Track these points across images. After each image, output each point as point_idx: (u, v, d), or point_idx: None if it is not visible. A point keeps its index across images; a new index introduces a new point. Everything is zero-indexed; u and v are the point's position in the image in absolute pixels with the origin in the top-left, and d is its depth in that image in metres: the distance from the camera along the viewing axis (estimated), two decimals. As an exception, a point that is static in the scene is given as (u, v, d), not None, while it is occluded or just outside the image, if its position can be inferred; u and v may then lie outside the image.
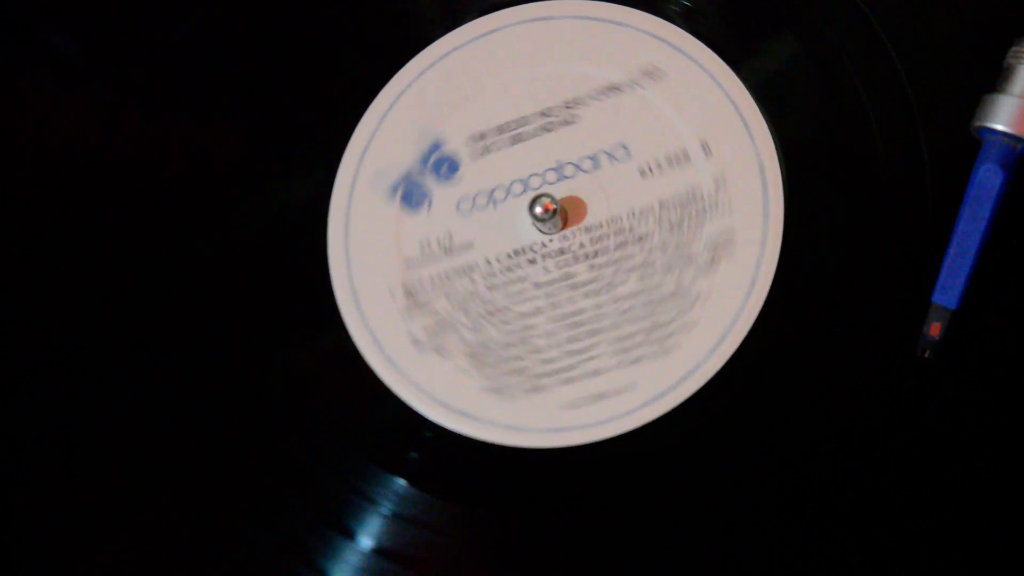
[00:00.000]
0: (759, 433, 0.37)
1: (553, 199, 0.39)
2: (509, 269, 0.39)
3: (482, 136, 0.41)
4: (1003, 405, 0.36)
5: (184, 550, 0.39)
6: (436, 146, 0.41)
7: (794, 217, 0.39)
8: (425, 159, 0.41)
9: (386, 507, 0.38)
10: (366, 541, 0.38)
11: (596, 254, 0.39)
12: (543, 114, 0.41)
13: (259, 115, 0.44)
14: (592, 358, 0.38)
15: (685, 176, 0.39)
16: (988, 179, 0.36)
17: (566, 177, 0.40)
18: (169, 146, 0.44)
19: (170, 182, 0.43)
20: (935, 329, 0.36)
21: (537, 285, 0.39)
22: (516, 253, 0.40)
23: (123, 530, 0.39)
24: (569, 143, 0.41)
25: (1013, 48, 0.38)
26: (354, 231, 0.41)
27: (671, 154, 0.40)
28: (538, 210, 0.39)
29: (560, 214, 0.39)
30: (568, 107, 0.41)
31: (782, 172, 0.39)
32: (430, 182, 0.41)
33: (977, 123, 0.37)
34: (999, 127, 0.37)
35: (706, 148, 0.40)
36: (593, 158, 0.40)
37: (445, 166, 0.41)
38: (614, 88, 0.41)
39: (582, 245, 0.39)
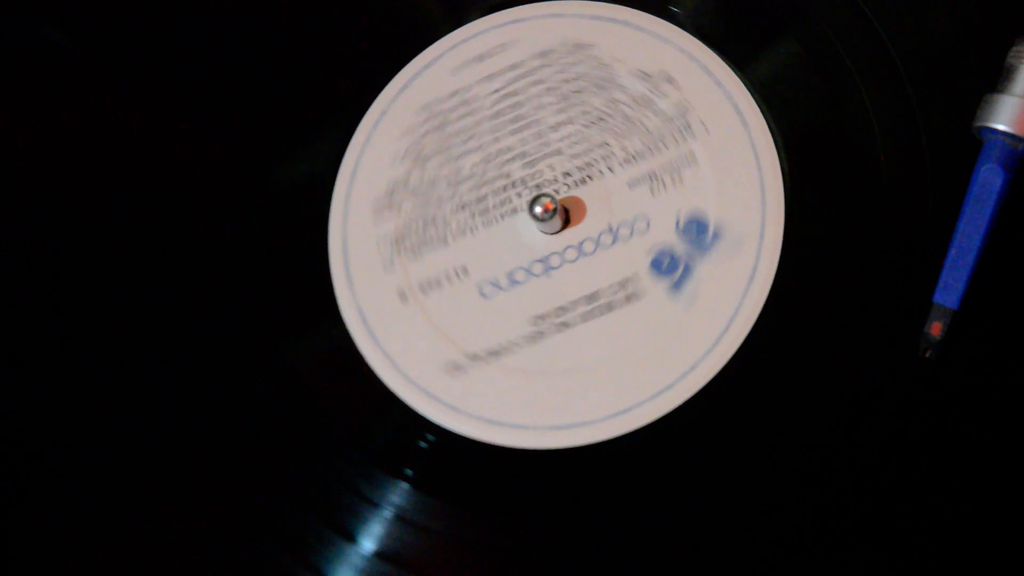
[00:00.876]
0: (757, 434, 0.37)
1: (554, 199, 0.39)
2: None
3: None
4: (1003, 405, 0.36)
5: (184, 551, 0.39)
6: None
7: (795, 217, 0.39)
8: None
9: (388, 510, 0.38)
10: (367, 544, 0.38)
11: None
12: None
13: (264, 105, 0.44)
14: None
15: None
16: (989, 179, 0.36)
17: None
18: (173, 132, 0.44)
19: (174, 162, 0.43)
20: (936, 329, 0.36)
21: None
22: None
23: (123, 530, 0.39)
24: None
25: (1014, 48, 0.38)
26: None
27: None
28: (538, 210, 0.39)
29: (560, 214, 0.39)
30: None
31: (783, 172, 0.39)
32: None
33: (978, 123, 0.37)
34: (1000, 127, 0.37)
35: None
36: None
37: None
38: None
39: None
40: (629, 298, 0.39)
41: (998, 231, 0.36)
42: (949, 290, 0.36)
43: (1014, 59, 0.37)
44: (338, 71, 0.44)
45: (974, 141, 0.38)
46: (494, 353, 0.39)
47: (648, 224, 0.40)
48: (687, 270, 0.39)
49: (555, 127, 0.41)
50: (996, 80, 0.38)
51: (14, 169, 0.45)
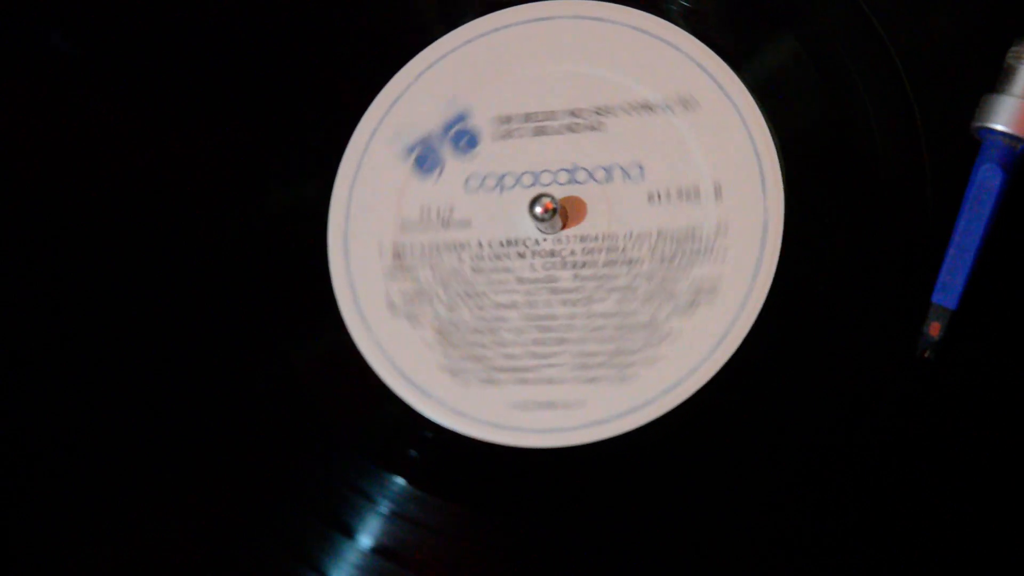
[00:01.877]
0: (757, 434, 0.37)
1: (554, 200, 0.39)
2: (498, 257, 0.40)
3: (508, 119, 0.41)
4: (1002, 405, 0.36)
5: (183, 549, 0.39)
6: (461, 117, 0.41)
7: (794, 217, 0.39)
8: (448, 127, 0.41)
9: (385, 506, 0.38)
10: (365, 540, 0.38)
11: (584, 265, 0.39)
12: (572, 113, 0.41)
13: (264, 106, 0.44)
14: (552, 365, 0.38)
15: (690, 213, 0.39)
16: (988, 179, 0.36)
17: (576, 182, 0.40)
18: (165, 149, 0.44)
19: (176, 156, 0.43)
20: (935, 329, 0.36)
21: (520, 280, 0.39)
22: (509, 243, 0.40)
23: (122, 529, 0.39)
24: (589, 148, 0.41)
25: (1013, 48, 0.38)
26: (361, 181, 0.41)
27: (683, 187, 0.39)
28: (538, 209, 0.39)
29: (560, 214, 0.39)
30: (598, 113, 0.41)
31: (782, 172, 0.39)
32: (446, 151, 0.41)
33: (977, 123, 0.37)
34: (999, 127, 0.37)
35: (718, 191, 0.39)
36: (607, 169, 0.40)
37: (465, 139, 0.41)
38: (647, 107, 0.41)
39: (573, 252, 0.39)
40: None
41: (997, 231, 0.36)
42: (948, 290, 0.36)
43: (1013, 59, 0.37)
44: (341, 69, 0.44)
45: (973, 141, 0.38)
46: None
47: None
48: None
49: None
50: (995, 80, 0.38)
51: (14, 169, 0.45)
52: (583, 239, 0.40)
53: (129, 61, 0.45)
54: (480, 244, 0.40)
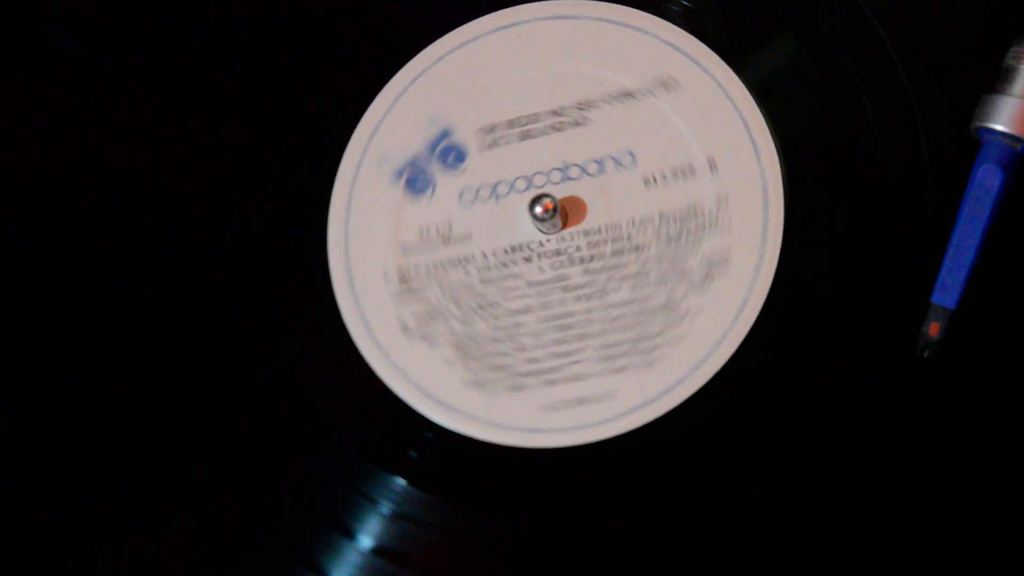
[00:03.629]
0: (757, 433, 0.37)
1: (553, 199, 0.39)
2: (504, 265, 0.39)
3: (492, 129, 0.41)
4: (1002, 405, 0.36)
5: (183, 549, 0.39)
6: (445, 134, 0.41)
7: (795, 217, 0.39)
8: (433, 146, 0.41)
9: (385, 506, 0.38)
10: (365, 540, 0.38)
11: (592, 259, 0.39)
12: (554, 113, 0.41)
13: (269, 96, 0.44)
14: (576, 362, 0.38)
15: (688, 190, 0.39)
16: (987, 179, 0.36)
17: (570, 179, 0.40)
18: (165, 149, 0.44)
19: (167, 188, 0.43)
20: (934, 329, 0.36)
21: (530, 284, 0.39)
22: (513, 249, 0.40)
23: (122, 529, 0.39)
24: (577, 145, 0.41)
25: (1013, 48, 0.38)
26: (355, 212, 0.41)
27: (677, 167, 0.40)
28: (538, 210, 0.39)
29: (560, 214, 0.39)
30: (580, 108, 0.41)
31: (783, 172, 0.39)
32: (436, 170, 0.41)
33: (977, 123, 0.37)
34: (999, 127, 0.37)
35: (712, 164, 0.39)
36: (599, 162, 0.40)
37: (452, 155, 0.41)
38: (628, 94, 0.41)
39: (579, 248, 0.39)
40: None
41: (996, 231, 0.36)
42: (947, 290, 0.36)
43: (1012, 60, 0.37)
44: (349, 63, 0.44)
45: (973, 141, 0.38)
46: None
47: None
48: None
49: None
50: (995, 80, 0.38)
51: (14, 169, 0.45)
52: (587, 233, 0.40)
53: (129, 61, 0.45)
54: (485, 255, 0.40)
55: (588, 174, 0.40)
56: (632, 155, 0.40)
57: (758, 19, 0.42)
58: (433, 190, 0.41)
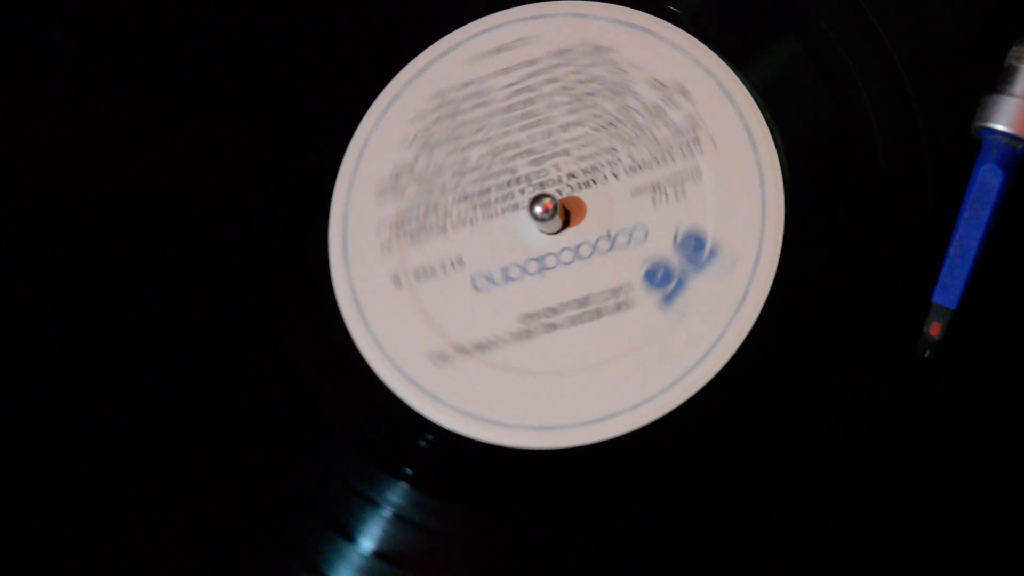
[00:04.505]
0: (757, 433, 0.37)
1: (553, 199, 0.39)
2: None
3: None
4: (1002, 405, 0.36)
5: (183, 550, 0.39)
6: None
7: (795, 217, 0.39)
8: None
9: (387, 510, 0.38)
10: (366, 543, 0.38)
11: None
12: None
13: (269, 96, 0.44)
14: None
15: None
16: (988, 179, 0.36)
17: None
18: (166, 149, 0.44)
19: (170, 178, 0.43)
20: (935, 329, 0.36)
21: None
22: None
23: (123, 530, 0.39)
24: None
25: (1013, 48, 0.38)
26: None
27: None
28: (538, 210, 0.39)
29: (560, 214, 0.39)
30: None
31: (783, 171, 0.39)
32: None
33: (977, 123, 0.37)
34: (999, 127, 0.37)
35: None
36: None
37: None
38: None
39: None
40: (619, 306, 0.39)
41: (997, 231, 0.36)
42: (948, 290, 0.36)
43: (1013, 60, 0.37)
44: (355, 55, 0.44)
45: (973, 141, 0.38)
46: (480, 347, 0.39)
47: (646, 234, 0.40)
48: (679, 285, 0.39)
49: (565, 127, 0.41)
50: (995, 80, 0.38)
51: (14, 169, 0.45)
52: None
53: (129, 61, 0.45)
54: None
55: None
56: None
57: (758, 19, 0.42)
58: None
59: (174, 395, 0.40)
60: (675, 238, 0.39)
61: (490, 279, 0.40)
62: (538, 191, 0.40)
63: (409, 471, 0.38)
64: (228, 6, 0.46)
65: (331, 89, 0.44)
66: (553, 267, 0.40)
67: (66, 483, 0.40)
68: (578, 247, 0.40)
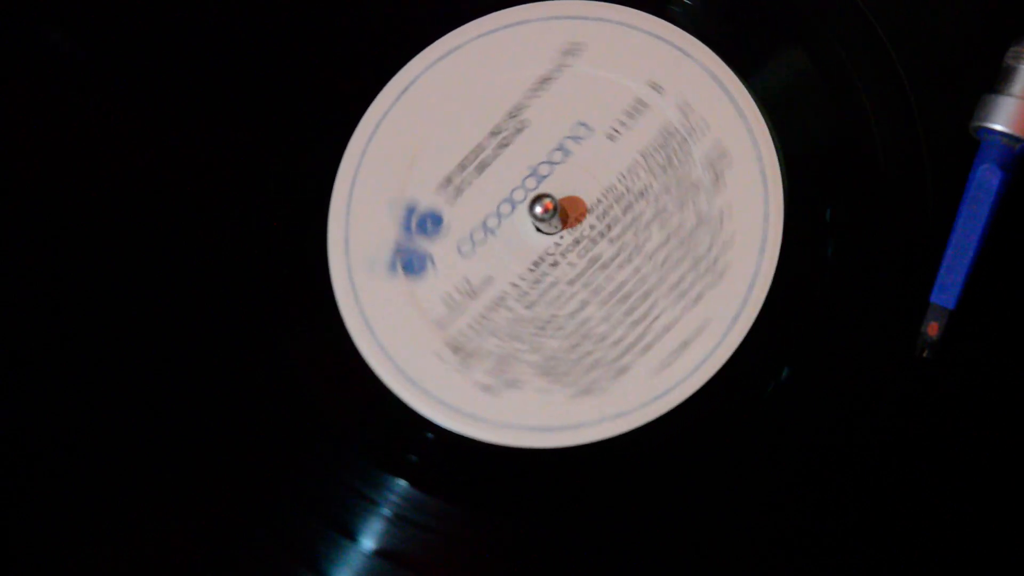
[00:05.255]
0: (757, 433, 0.37)
1: (553, 198, 0.39)
2: (537, 281, 0.39)
3: (448, 180, 0.41)
4: (1001, 405, 0.36)
5: (183, 550, 0.39)
6: (411, 210, 0.41)
7: (794, 216, 0.39)
8: (407, 225, 0.41)
9: (387, 509, 0.38)
10: (367, 543, 0.38)
11: (609, 227, 0.39)
12: (493, 133, 0.41)
13: (269, 96, 0.44)
14: (657, 318, 0.38)
15: (650, 120, 0.40)
16: (987, 179, 0.36)
17: (544, 176, 0.40)
18: (166, 150, 0.44)
19: (167, 188, 0.43)
20: (933, 329, 0.36)
21: (571, 282, 0.39)
22: (536, 265, 0.40)
23: (122, 530, 0.39)
24: (531, 146, 0.41)
25: (1012, 48, 0.38)
26: (373, 320, 0.40)
27: (627, 108, 0.40)
28: (538, 210, 0.39)
29: (560, 214, 0.39)
30: (512, 116, 0.41)
31: (782, 172, 0.39)
32: (423, 243, 0.41)
33: (976, 123, 0.37)
34: (998, 127, 0.37)
35: (656, 87, 0.40)
36: (560, 147, 0.40)
37: (429, 222, 0.41)
38: (545, 79, 0.41)
39: (592, 227, 0.40)
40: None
41: (995, 231, 0.36)
42: (946, 290, 0.36)
43: (1012, 60, 0.37)
44: (355, 55, 0.44)
45: (972, 141, 0.38)
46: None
47: None
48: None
49: None
50: (995, 80, 0.38)
51: (14, 169, 0.45)
52: (591, 210, 0.40)
53: (129, 61, 0.45)
54: (515, 284, 0.40)
55: (556, 163, 0.40)
56: (584, 124, 0.41)
57: (757, 20, 0.42)
58: (432, 262, 0.40)
59: (174, 395, 0.40)
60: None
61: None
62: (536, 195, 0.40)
63: (414, 458, 0.38)
64: (228, 6, 0.46)
65: (331, 89, 0.44)
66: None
67: (66, 483, 0.40)
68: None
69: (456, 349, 0.39)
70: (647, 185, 0.39)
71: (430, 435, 0.39)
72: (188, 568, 0.39)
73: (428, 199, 0.41)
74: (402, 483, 0.38)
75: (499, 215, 0.40)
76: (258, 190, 0.43)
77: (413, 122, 0.42)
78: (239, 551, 0.38)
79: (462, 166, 0.41)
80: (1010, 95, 0.37)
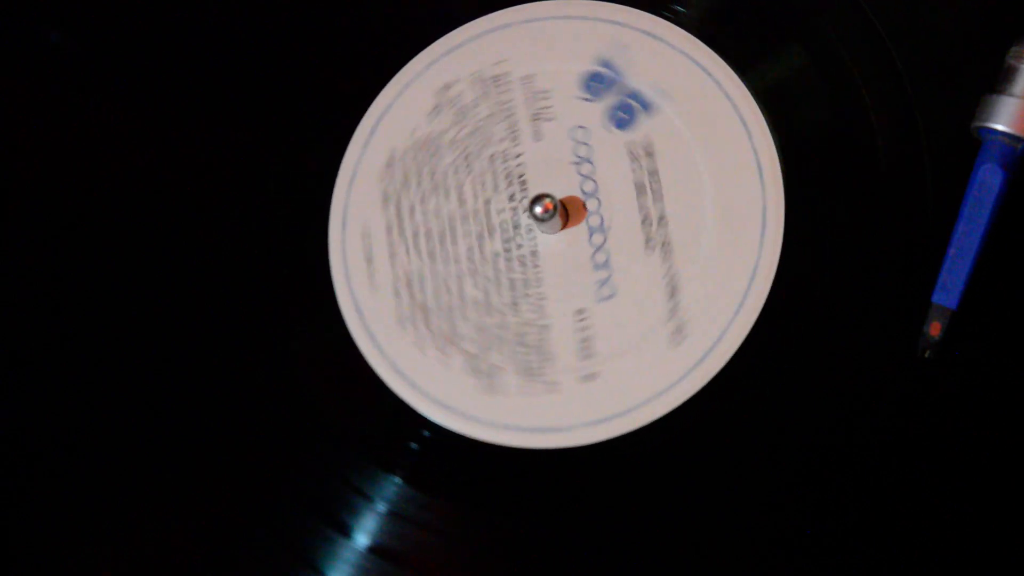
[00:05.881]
0: (757, 433, 0.37)
1: (553, 199, 0.39)
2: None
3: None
4: (1002, 405, 0.36)
5: (181, 548, 0.39)
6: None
7: (794, 216, 0.39)
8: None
9: (382, 505, 0.38)
10: (362, 539, 0.38)
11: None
12: None
13: (269, 96, 0.44)
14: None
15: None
16: (988, 179, 0.36)
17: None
18: (166, 150, 0.44)
19: (168, 188, 0.43)
20: (935, 329, 0.36)
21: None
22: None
23: (121, 529, 0.39)
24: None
25: (1013, 48, 0.38)
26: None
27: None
28: (538, 210, 0.39)
29: (560, 214, 0.39)
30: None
31: (783, 171, 0.39)
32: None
33: (977, 123, 0.37)
34: (999, 127, 0.37)
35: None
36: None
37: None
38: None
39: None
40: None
41: (997, 231, 0.36)
42: (948, 290, 0.36)
43: (1013, 59, 0.37)
44: (355, 55, 0.44)
45: (973, 141, 0.38)
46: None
47: None
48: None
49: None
50: (995, 80, 0.38)
51: (14, 169, 0.45)
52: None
53: (129, 61, 0.45)
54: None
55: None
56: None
57: (758, 18, 0.42)
58: None
59: (173, 394, 0.40)
60: None
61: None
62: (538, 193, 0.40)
63: (415, 446, 0.38)
64: (228, 6, 0.46)
65: (331, 89, 0.44)
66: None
67: (66, 483, 0.40)
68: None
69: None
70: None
71: (426, 433, 0.39)
72: (186, 565, 0.39)
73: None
74: (398, 480, 0.38)
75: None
76: (259, 190, 0.43)
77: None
78: (237, 548, 0.39)
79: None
80: (1011, 95, 0.37)
